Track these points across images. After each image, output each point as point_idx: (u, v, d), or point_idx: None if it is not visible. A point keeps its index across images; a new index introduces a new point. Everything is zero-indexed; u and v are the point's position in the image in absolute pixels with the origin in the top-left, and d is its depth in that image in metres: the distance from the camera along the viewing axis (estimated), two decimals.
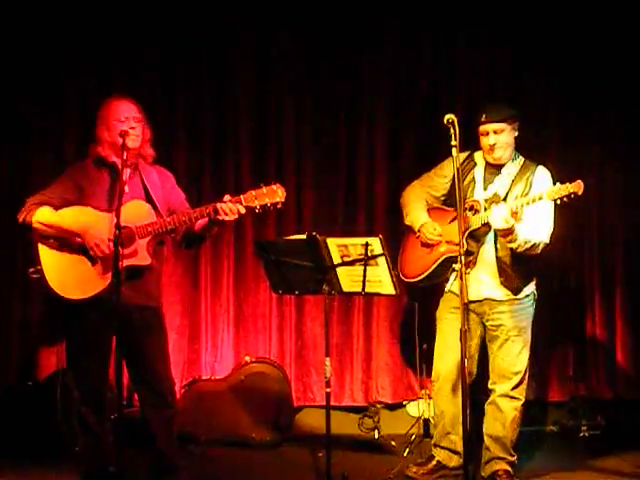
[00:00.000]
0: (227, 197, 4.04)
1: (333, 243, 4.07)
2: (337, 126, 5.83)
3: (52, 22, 5.50)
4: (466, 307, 3.91)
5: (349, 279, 4.13)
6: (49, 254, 4.08)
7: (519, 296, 4.56)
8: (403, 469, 4.80)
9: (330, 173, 5.83)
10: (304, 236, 4.10)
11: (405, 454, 5.12)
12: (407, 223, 4.77)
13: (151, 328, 4.21)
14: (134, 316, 4.08)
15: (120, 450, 3.85)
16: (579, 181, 4.16)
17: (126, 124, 4.10)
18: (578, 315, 5.79)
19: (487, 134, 4.51)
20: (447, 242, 4.55)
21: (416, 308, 5.16)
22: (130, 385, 4.85)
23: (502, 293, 4.55)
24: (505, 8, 5.69)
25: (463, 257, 3.91)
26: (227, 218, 4.02)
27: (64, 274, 4.05)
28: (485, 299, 4.58)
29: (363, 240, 4.04)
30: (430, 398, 5.41)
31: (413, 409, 5.69)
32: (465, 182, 4.58)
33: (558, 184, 4.22)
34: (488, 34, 5.77)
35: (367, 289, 4.10)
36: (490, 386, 4.64)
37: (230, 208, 4.00)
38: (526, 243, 4.37)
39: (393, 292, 4.11)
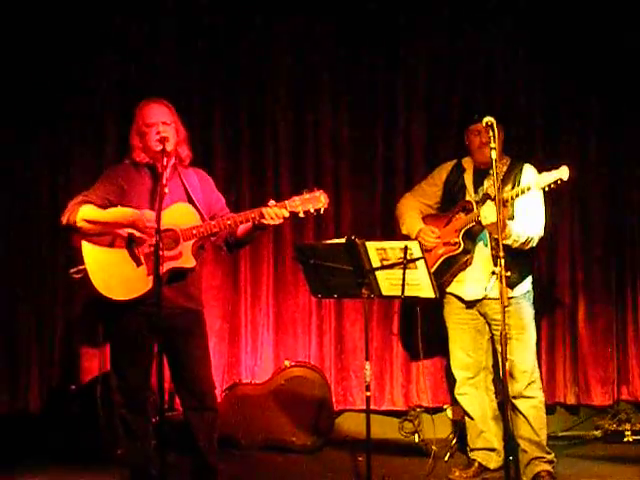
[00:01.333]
0: (272, 202, 4.07)
1: (372, 247, 4.07)
2: (374, 130, 5.83)
3: (95, 21, 5.56)
4: (504, 309, 3.90)
5: (388, 282, 4.12)
6: (94, 253, 4.05)
7: (516, 294, 4.60)
8: (439, 471, 4.87)
9: (368, 177, 5.83)
10: (343, 240, 4.10)
11: (446, 458, 5.11)
12: (404, 232, 4.89)
13: (193, 331, 4.22)
14: (176, 319, 4.08)
15: (162, 453, 3.86)
16: (564, 166, 4.22)
17: (154, 129, 4.11)
18: (620, 318, 5.72)
19: (479, 133, 4.61)
20: (444, 244, 4.69)
21: (418, 313, 5.14)
22: (172, 388, 4.89)
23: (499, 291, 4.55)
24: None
25: (502, 260, 3.88)
26: (272, 222, 4.05)
27: (109, 274, 4.03)
28: (484, 297, 4.64)
29: (402, 244, 4.04)
30: None
31: (453, 413, 5.67)
32: (456, 188, 4.77)
33: (544, 172, 4.29)
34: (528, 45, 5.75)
35: (406, 292, 4.09)
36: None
37: (276, 212, 4.04)
38: (520, 237, 4.45)
39: (432, 295, 4.10)
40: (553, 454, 4.66)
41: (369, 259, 4.08)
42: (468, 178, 4.76)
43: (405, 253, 4.00)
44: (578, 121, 5.77)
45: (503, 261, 3.88)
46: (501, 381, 4.61)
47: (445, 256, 4.69)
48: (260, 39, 5.76)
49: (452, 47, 5.79)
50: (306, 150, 5.81)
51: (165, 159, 4.00)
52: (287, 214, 4.06)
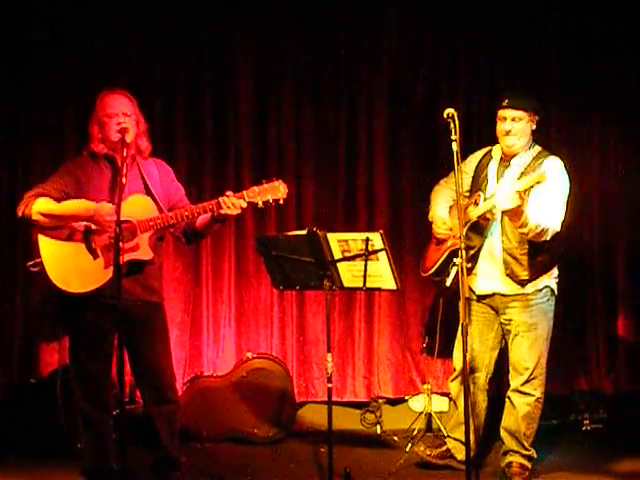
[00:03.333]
0: (229, 193, 4.07)
1: (334, 238, 4.07)
2: (337, 122, 5.81)
3: (56, 17, 5.48)
4: (467, 301, 3.91)
5: (350, 274, 4.13)
6: (49, 246, 4.04)
7: (528, 291, 4.54)
8: (401, 461, 4.88)
9: (330, 169, 5.82)
10: (305, 232, 4.10)
11: (407, 449, 5.13)
12: (429, 219, 4.82)
13: (152, 323, 4.21)
14: (136, 311, 4.08)
15: (122, 447, 3.83)
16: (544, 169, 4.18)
17: (115, 119, 4.09)
18: (579, 309, 5.77)
19: (504, 119, 4.51)
20: (454, 236, 4.58)
21: (440, 303, 5.14)
22: (132, 381, 4.86)
23: (510, 288, 4.55)
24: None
25: (464, 251, 3.91)
26: (229, 212, 4.04)
27: (65, 267, 4.02)
28: (494, 293, 4.61)
29: (364, 235, 4.03)
30: (432, 393, 5.46)
31: (415, 404, 5.70)
32: (481, 177, 4.65)
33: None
34: (487, 32, 5.75)
35: (368, 284, 4.09)
36: (509, 381, 4.70)
37: (233, 202, 4.03)
38: (537, 227, 4.31)
39: (394, 287, 4.11)
40: (533, 451, 4.64)
41: (330, 251, 4.08)
42: (493, 168, 4.65)
43: (367, 245, 4.01)
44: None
45: (464, 253, 3.89)
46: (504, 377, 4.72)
47: (451, 249, 4.59)
48: (223, 32, 5.71)
49: (414, 45, 5.81)
50: (268, 142, 5.78)
51: (124, 150, 3.98)
52: (244, 204, 4.05)
